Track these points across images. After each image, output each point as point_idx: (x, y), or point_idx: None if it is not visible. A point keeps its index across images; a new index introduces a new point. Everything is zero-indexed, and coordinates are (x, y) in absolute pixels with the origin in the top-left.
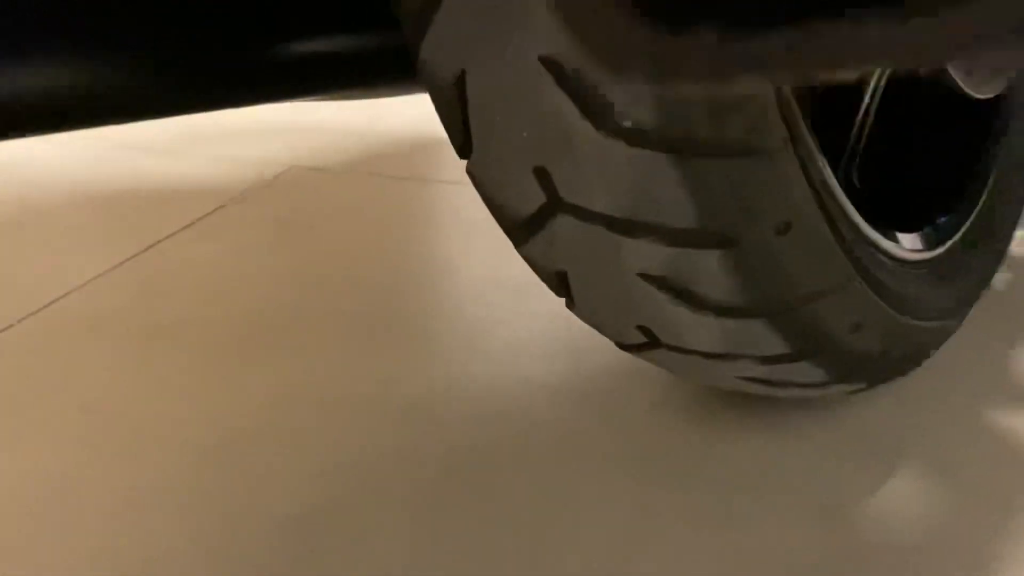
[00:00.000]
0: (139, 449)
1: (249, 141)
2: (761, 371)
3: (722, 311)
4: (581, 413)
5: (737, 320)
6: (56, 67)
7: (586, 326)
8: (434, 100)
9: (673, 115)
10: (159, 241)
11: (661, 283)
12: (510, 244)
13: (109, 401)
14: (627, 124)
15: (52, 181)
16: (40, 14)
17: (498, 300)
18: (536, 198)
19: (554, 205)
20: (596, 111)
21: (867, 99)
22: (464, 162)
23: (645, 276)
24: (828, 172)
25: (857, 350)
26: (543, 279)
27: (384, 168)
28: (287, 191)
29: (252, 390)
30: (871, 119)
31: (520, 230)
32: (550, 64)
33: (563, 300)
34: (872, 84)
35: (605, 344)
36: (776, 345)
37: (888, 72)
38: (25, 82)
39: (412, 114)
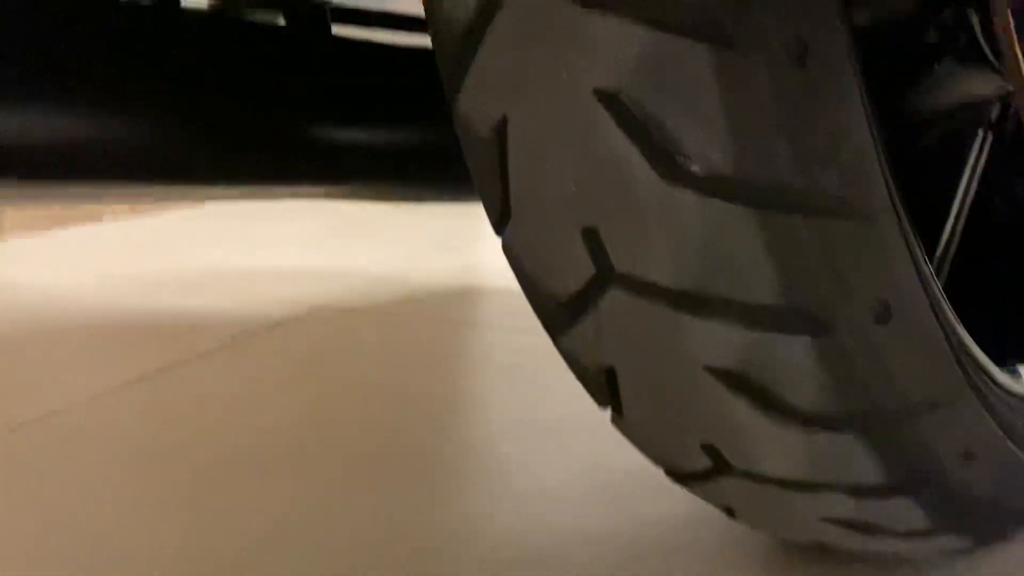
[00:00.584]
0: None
1: (278, 281)
2: (852, 509)
3: (809, 421)
4: (622, 565)
5: (827, 434)
6: (76, 115)
7: (629, 469)
8: (470, 161)
9: (755, 159)
10: (170, 366)
11: (735, 380)
12: (544, 385)
13: (81, 520)
14: (697, 169)
15: (64, 305)
16: (76, 62)
17: (529, 440)
18: (584, 269)
19: (605, 277)
20: (661, 153)
21: (957, 204)
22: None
23: (715, 371)
24: (924, 254)
25: (967, 489)
26: (585, 382)
27: (417, 311)
28: (313, 328)
29: (246, 523)
30: (962, 224)
31: (562, 314)
32: (607, 98)
33: (606, 424)
34: (963, 186)
35: (651, 491)
36: (872, 471)
37: (980, 171)
38: (51, 128)
39: (449, 265)
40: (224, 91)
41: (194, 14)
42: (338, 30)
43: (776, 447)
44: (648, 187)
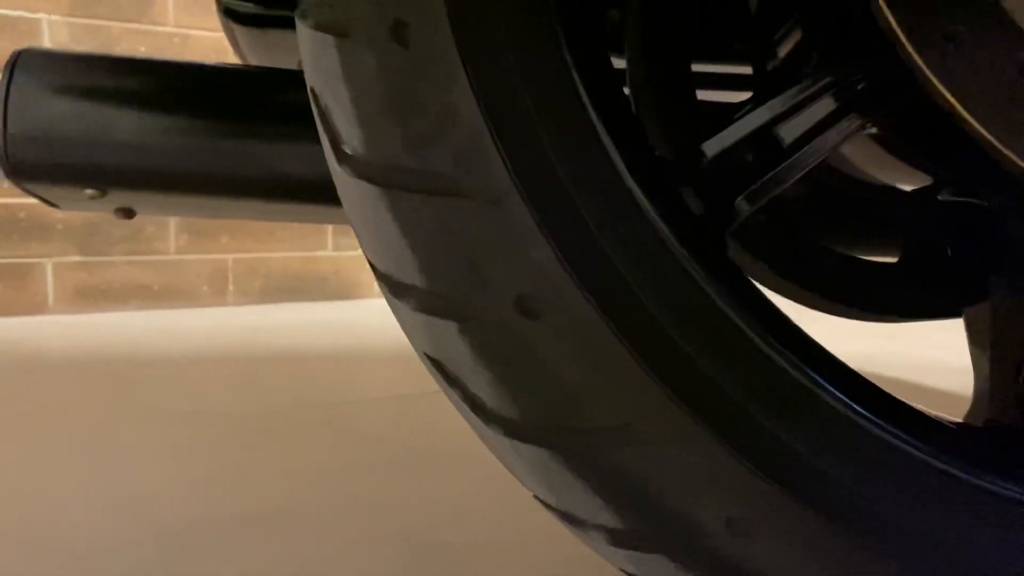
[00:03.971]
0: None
1: None
2: (617, 555)
3: (500, 423)
4: None
5: (524, 445)
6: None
7: None
8: None
9: (376, 139)
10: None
11: (439, 367)
12: None
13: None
14: (349, 152)
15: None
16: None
17: None
18: None
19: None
20: (334, 139)
21: None
22: None
23: (427, 357)
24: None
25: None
26: None
27: None
28: None
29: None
30: None
31: None
32: (312, 94)
33: None
34: None
35: None
36: (596, 506)
37: None
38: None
39: None
40: None
41: None
42: None
43: (502, 450)
44: (337, 172)
